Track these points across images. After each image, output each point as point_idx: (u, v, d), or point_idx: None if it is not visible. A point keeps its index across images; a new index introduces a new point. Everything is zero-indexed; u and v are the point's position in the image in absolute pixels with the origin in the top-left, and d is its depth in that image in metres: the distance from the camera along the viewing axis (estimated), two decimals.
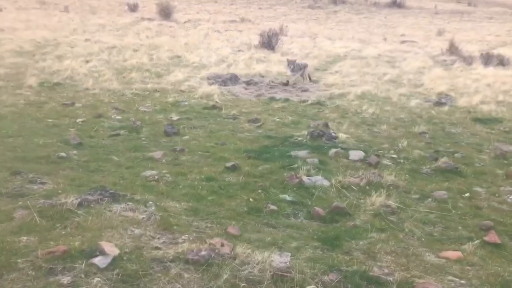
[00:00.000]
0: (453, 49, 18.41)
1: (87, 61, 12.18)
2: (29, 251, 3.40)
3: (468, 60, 16.29)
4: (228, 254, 3.57)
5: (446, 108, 9.81)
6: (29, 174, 4.89)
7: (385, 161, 6.19)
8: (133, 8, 28.38)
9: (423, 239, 4.16)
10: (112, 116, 7.69)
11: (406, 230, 4.31)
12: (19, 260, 3.28)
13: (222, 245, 3.64)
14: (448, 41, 19.88)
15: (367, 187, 5.16)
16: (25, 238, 3.61)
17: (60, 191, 4.49)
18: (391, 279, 3.36)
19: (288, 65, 11.41)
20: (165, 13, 25.13)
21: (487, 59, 16.24)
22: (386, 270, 3.49)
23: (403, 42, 22.45)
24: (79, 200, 4.22)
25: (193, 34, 20.01)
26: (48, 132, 6.64)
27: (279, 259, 3.57)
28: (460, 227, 4.43)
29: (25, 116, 7.32)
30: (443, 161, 6.19)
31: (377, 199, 4.71)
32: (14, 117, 7.24)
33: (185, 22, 24.64)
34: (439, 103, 10.18)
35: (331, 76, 12.57)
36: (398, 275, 3.39)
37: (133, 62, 12.57)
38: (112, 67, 11.88)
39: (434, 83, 12.11)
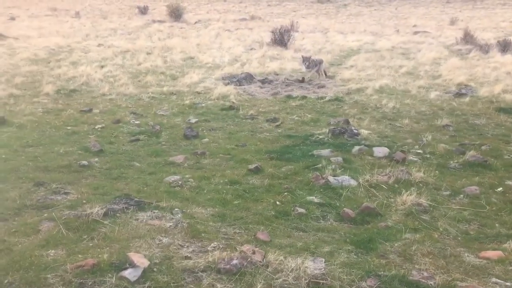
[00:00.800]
0: (468, 37, 18.05)
1: (102, 66, 12.17)
2: (58, 266, 3.34)
3: (484, 49, 15.94)
4: (260, 262, 3.46)
5: (467, 99, 9.59)
6: (52, 185, 4.84)
7: (411, 157, 6.03)
8: (144, 11, 28.43)
9: (459, 238, 4.02)
10: (131, 121, 7.64)
11: (441, 229, 4.16)
12: (48, 275, 3.23)
13: (254, 252, 3.54)
14: (461, 30, 19.55)
15: (396, 185, 5.02)
16: (52, 251, 3.55)
17: (84, 201, 4.44)
18: (432, 283, 3.22)
19: (303, 61, 11.26)
20: (176, 14, 25.12)
21: (504, 46, 15.89)
22: (425, 274, 3.35)
23: (416, 33, 22.11)
24: (104, 210, 4.16)
25: (204, 34, 19.95)
26: (68, 139, 6.61)
27: (313, 265, 3.45)
28: (497, 224, 4.27)
29: (44, 124, 7.30)
30: (470, 154, 6.02)
31: (408, 198, 4.57)
32: (33, 125, 7.23)
33: (195, 23, 24.60)
34: (459, 94, 9.96)
35: (347, 70, 12.39)
36: (439, 279, 3.26)
37: (147, 65, 12.53)
38: (127, 71, 11.86)
39: (452, 74, 11.86)
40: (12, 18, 23.72)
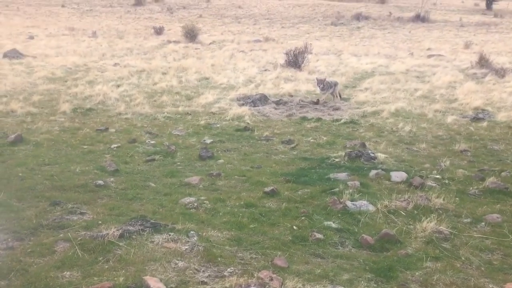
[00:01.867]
0: (483, 61, 17.93)
1: (118, 86, 12.29)
2: None
3: (500, 73, 15.82)
4: None
5: (484, 123, 9.48)
6: (68, 204, 4.84)
7: (430, 182, 5.93)
8: (159, 31, 28.79)
9: (482, 268, 3.90)
10: (146, 141, 7.65)
11: (463, 258, 4.05)
12: None
13: (271, 279, 3.47)
14: (476, 54, 19.48)
15: (415, 212, 4.93)
16: (68, 273, 3.52)
17: (100, 222, 4.42)
18: None
19: (317, 83, 11.25)
20: (191, 35, 25.39)
21: None
22: None
23: (430, 56, 22.07)
24: (120, 231, 4.13)
25: (218, 55, 20.11)
26: (84, 159, 6.62)
27: None
28: None
29: (60, 143, 7.34)
30: (490, 181, 5.90)
31: (428, 225, 4.47)
32: (49, 144, 7.27)
33: (210, 44, 24.84)
34: (476, 119, 9.86)
35: (362, 93, 12.35)
36: None
37: (162, 85, 12.63)
38: (143, 90, 11.95)
39: (468, 98, 11.76)
40: (31, 37, 24.18)
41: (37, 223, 4.36)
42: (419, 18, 41.32)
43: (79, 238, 4.04)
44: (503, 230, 4.63)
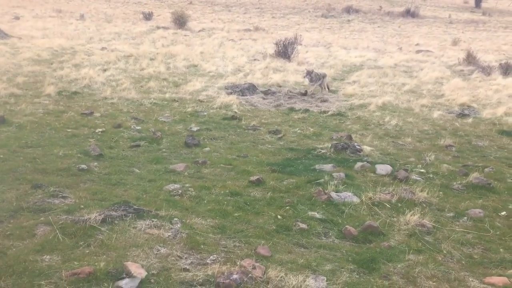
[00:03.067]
0: (470, 59, 18.08)
1: (105, 70, 12.12)
2: (52, 272, 3.25)
3: (486, 70, 15.96)
4: (260, 277, 3.38)
5: (470, 120, 9.56)
6: (50, 188, 4.76)
7: (414, 176, 5.96)
8: (148, 16, 28.44)
9: (463, 262, 3.94)
10: (132, 126, 7.56)
11: (444, 251, 4.09)
12: (42, 282, 3.14)
13: (254, 267, 3.46)
14: (463, 51, 19.61)
15: (399, 205, 4.95)
16: (48, 257, 3.47)
17: (82, 206, 4.36)
18: None
19: (306, 75, 11.22)
20: (180, 22, 25.13)
21: (506, 69, 15.90)
22: None
23: (418, 51, 22.18)
24: (102, 216, 4.07)
25: (208, 43, 19.94)
26: (68, 142, 6.52)
27: (315, 284, 3.38)
28: (501, 249, 4.20)
29: (44, 126, 7.21)
30: (474, 176, 5.95)
31: (412, 218, 4.50)
32: (33, 126, 7.14)
33: (199, 31, 24.61)
34: (462, 115, 9.94)
35: (350, 86, 12.36)
36: None
37: (150, 71, 12.48)
38: (130, 76, 11.80)
39: (455, 94, 11.85)
40: (17, 18, 23.71)
41: (18, 206, 4.28)
42: (409, 14, 41.46)
43: (60, 222, 3.98)
44: (484, 225, 4.68)
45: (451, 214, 4.90)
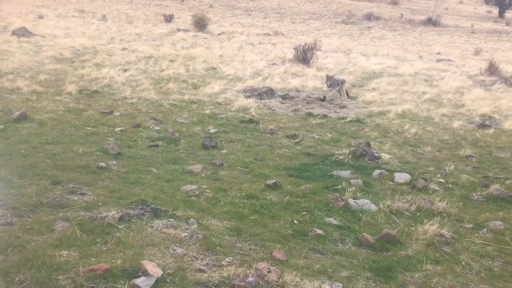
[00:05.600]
0: (492, 69, 17.82)
1: (125, 70, 12.25)
2: (70, 267, 3.28)
3: (509, 81, 15.71)
4: (275, 281, 3.36)
5: (491, 131, 9.41)
6: (69, 184, 4.81)
7: (433, 186, 5.88)
8: (169, 18, 28.70)
9: (482, 274, 3.87)
10: (150, 127, 7.62)
11: (463, 263, 4.02)
12: (60, 277, 3.16)
13: (269, 271, 3.44)
14: (485, 61, 19.35)
15: (417, 214, 4.88)
16: (65, 252, 3.49)
17: (100, 204, 4.39)
18: None
19: (327, 80, 11.18)
20: (200, 25, 25.30)
21: None
22: None
23: (439, 60, 21.95)
24: (120, 214, 4.10)
25: (227, 46, 20.03)
26: (87, 140, 6.59)
27: None
28: None
29: (64, 123, 7.30)
30: (494, 188, 5.85)
31: (430, 228, 4.43)
32: (53, 123, 7.23)
33: (219, 34, 24.73)
34: (483, 125, 9.79)
35: (369, 93, 12.28)
36: None
37: (169, 72, 12.57)
38: (149, 76, 11.90)
39: (476, 104, 11.69)
40: (40, 17, 24.12)
41: (37, 201, 4.33)
42: (431, 22, 41.08)
43: (79, 218, 4.01)
44: (505, 237, 4.59)
45: (471, 225, 4.82)
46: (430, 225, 4.47)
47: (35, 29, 18.53)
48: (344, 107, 10.57)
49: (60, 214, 4.11)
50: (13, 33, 16.47)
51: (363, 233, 4.33)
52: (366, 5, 49.19)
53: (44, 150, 5.92)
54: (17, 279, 3.08)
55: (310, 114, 9.69)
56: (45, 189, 4.63)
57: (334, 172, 6.08)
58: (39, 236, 3.71)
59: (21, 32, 16.55)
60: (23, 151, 5.76)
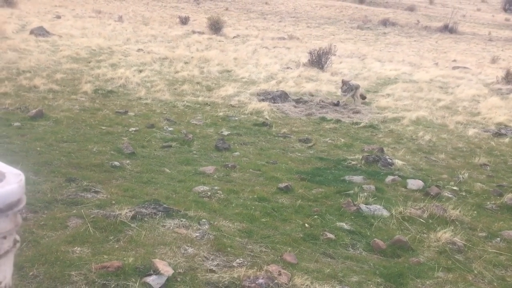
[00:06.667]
0: (509, 77, 17.63)
1: (140, 71, 12.35)
2: (82, 264, 3.31)
3: None
4: (286, 284, 3.36)
5: (506, 139, 9.31)
6: (84, 182, 4.86)
7: (446, 193, 5.84)
8: (184, 21, 28.91)
9: (495, 284, 3.82)
10: (164, 127, 7.67)
11: (475, 271, 3.97)
12: (72, 273, 3.19)
13: (280, 273, 3.44)
14: (502, 69, 19.14)
15: (430, 221, 4.85)
16: (78, 249, 3.53)
17: (113, 202, 4.43)
18: None
19: (342, 85, 11.17)
20: (215, 27, 25.45)
21: None
22: None
23: (455, 68, 21.79)
24: (132, 212, 4.14)
25: (242, 49, 20.10)
26: (102, 139, 6.66)
27: None
28: None
29: (79, 122, 7.39)
30: (509, 197, 5.78)
31: (443, 235, 4.40)
32: (69, 122, 7.32)
33: (234, 37, 24.84)
34: (498, 134, 9.69)
35: (383, 99, 12.23)
36: None
37: (184, 74, 12.66)
38: (164, 78, 11.99)
39: (491, 113, 11.57)
40: (58, 17, 24.45)
41: (52, 198, 4.39)
42: (447, 29, 40.81)
43: (92, 216, 4.05)
44: None
45: (484, 234, 4.77)
46: (442, 232, 4.44)
47: (53, 28, 18.79)
48: (358, 112, 10.54)
49: (74, 211, 4.16)
50: (31, 32, 16.73)
51: (375, 239, 4.31)
52: (382, 11, 49.03)
53: (59, 148, 6.00)
54: (31, 273, 3.12)
55: (323, 119, 9.68)
56: (59, 186, 4.69)
57: (347, 177, 6.06)
58: (53, 232, 3.76)
59: (39, 32, 16.80)
60: (38, 149, 5.84)
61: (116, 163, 5.60)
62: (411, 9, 52.83)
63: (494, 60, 25.95)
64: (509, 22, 52.30)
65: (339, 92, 11.47)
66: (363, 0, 57.27)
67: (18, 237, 1.06)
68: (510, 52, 32.49)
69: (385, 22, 41.03)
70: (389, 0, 60.42)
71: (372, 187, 5.69)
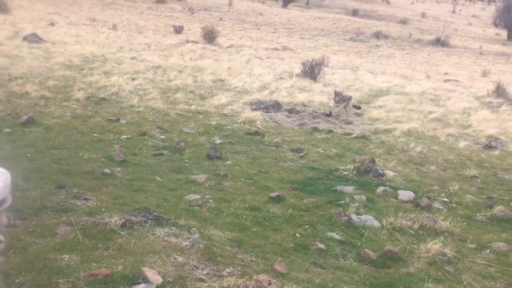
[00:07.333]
0: (500, 91, 17.82)
1: (133, 79, 12.33)
2: (70, 271, 3.28)
3: None
4: None
5: (497, 152, 9.39)
6: (74, 189, 4.83)
7: (437, 205, 5.86)
8: (178, 30, 28.96)
9: None
10: (156, 135, 7.65)
11: (465, 283, 3.98)
12: (60, 280, 3.17)
13: (270, 283, 3.43)
14: (493, 83, 19.34)
15: (420, 232, 4.86)
16: (67, 256, 3.50)
17: (103, 209, 4.40)
18: None
19: (335, 96, 11.23)
20: (209, 37, 25.49)
21: None
22: None
23: (446, 80, 21.97)
24: (122, 220, 4.11)
25: (235, 59, 20.15)
26: (93, 146, 6.63)
27: None
28: None
29: (71, 129, 7.35)
30: (498, 209, 5.82)
31: (433, 246, 4.41)
32: (60, 128, 7.28)
33: (228, 47, 24.91)
34: (489, 147, 9.77)
35: (375, 110, 12.31)
36: None
37: (177, 82, 12.66)
38: (157, 86, 11.99)
39: (482, 125, 11.67)
40: (52, 24, 24.40)
41: (41, 204, 4.35)
42: (439, 42, 41.25)
43: (81, 223, 4.02)
44: (508, 259, 4.55)
45: (474, 246, 4.79)
46: (433, 243, 4.45)
47: (46, 35, 18.73)
48: (350, 123, 10.58)
49: (63, 218, 4.13)
50: (24, 38, 16.68)
51: (365, 249, 4.31)
52: (375, 24, 49.50)
53: (50, 155, 5.96)
54: (17, 281, 3.09)
55: (315, 129, 9.71)
56: (49, 193, 4.65)
57: (338, 187, 6.07)
58: (42, 239, 3.72)
59: (32, 38, 16.75)
60: (29, 155, 5.80)
61: (107, 170, 5.57)
62: (403, 22, 53.39)
63: (485, 74, 26.22)
64: (499, 36, 53.01)
65: (331, 103, 11.52)
66: (356, 12, 57.81)
67: (2, 237, 1.05)
68: (500, 66, 32.89)
69: (377, 35, 41.39)
70: (382, 13, 61.08)
71: (363, 197, 5.70)
